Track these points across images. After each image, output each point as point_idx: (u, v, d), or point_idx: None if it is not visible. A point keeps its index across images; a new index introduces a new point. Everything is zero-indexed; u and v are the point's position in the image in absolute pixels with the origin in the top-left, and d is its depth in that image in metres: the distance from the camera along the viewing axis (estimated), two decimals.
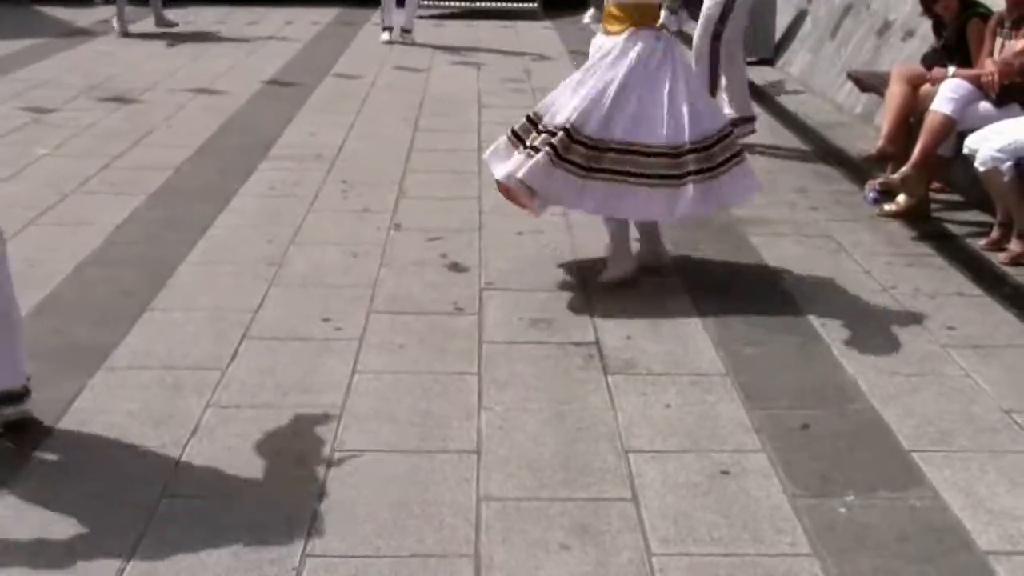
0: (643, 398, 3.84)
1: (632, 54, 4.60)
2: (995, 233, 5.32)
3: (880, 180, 5.68)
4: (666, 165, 4.55)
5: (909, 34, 7.90)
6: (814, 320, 4.50)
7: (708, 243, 5.38)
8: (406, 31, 11.62)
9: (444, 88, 9.29)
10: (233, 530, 3.02)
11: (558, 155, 4.53)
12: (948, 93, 5.50)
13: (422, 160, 6.95)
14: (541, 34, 12.50)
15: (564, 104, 4.65)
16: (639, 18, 4.65)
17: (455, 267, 5.08)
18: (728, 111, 6.91)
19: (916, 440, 3.57)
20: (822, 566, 2.92)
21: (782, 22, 10.46)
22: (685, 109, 4.58)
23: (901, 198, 5.75)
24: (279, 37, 12.02)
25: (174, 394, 3.80)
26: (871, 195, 5.69)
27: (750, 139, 7.11)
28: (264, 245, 5.31)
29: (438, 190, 6.28)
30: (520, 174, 4.58)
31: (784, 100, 8.81)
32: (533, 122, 4.71)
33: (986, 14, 5.76)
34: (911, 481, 3.33)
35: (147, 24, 12.15)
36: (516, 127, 4.77)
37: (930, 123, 5.51)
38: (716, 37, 7.04)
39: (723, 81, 7.15)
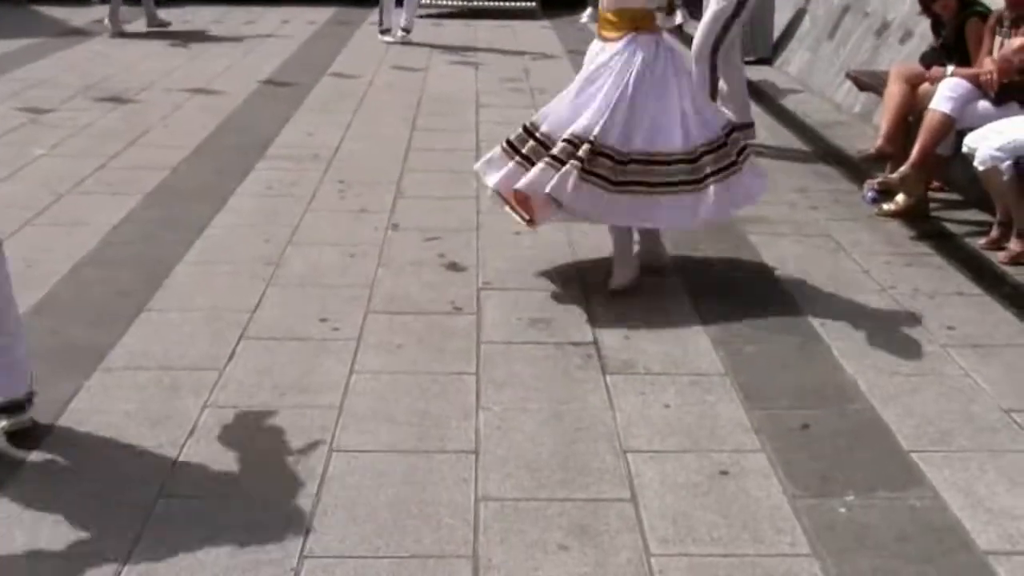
0: (642, 398, 3.83)
1: (637, 62, 4.54)
2: (994, 232, 5.32)
3: (879, 179, 5.68)
4: (685, 171, 4.54)
5: (908, 33, 7.90)
6: (814, 320, 4.49)
7: (708, 243, 5.37)
8: (405, 31, 11.60)
9: (442, 88, 9.27)
10: (230, 530, 3.01)
11: (585, 169, 4.45)
12: (947, 92, 5.49)
13: (420, 160, 6.94)
14: (539, 33, 12.49)
15: (563, 114, 4.59)
16: (636, 23, 4.60)
17: (453, 267, 5.07)
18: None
19: (916, 440, 3.56)
20: (822, 566, 2.91)
21: (780, 21, 10.45)
22: (692, 112, 4.60)
23: (900, 197, 5.74)
24: (276, 36, 12.01)
25: (171, 394, 3.79)
26: (870, 194, 5.69)
27: (750, 139, 7.10)
28: (261, 245, 5.29)
29: (436, 190, 6.27)
30: (548, 188, 4.46)
31: (783, 100, 8.80)
32: (529, 132, 4.66)
33: (985, 13, 5.76)
34: (911, 481, 3.32)
35: (141, 24, 12.12)
36: (512, 137, 4.71)
37: (929, 122, 5.51)
38: (716, 48, 6.96)
39: (723, 85, 7.09)
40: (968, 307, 4.66)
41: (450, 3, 14.11)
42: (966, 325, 4.46)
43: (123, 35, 11.66)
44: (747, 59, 8.16)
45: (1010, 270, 5.04)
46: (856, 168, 6.47)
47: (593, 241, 5.14)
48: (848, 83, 7.85)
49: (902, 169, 5.56)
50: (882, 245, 5.43)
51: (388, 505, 3.15)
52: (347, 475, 3.31)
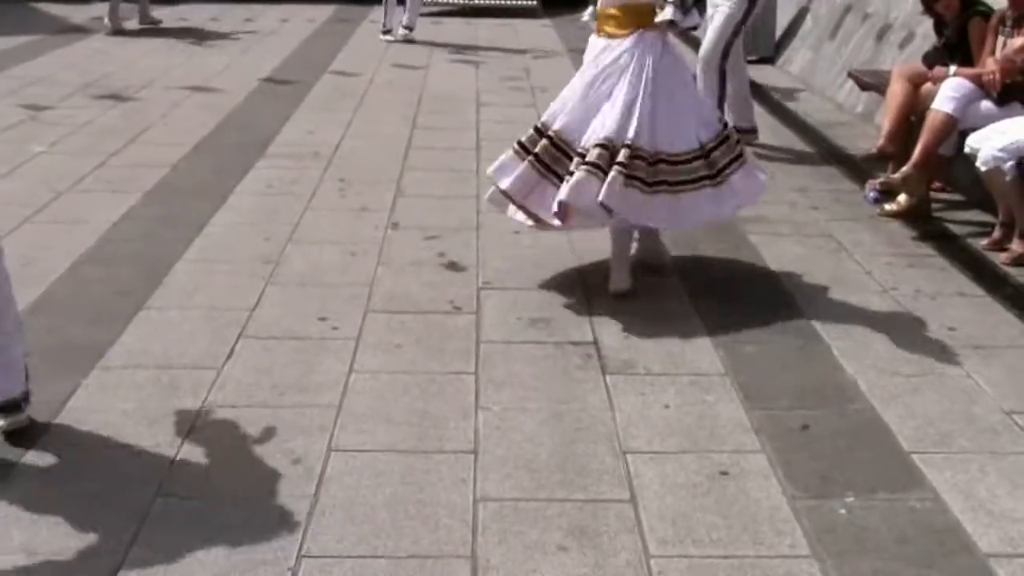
0: (642, 398, 3.81)
1: (649, 61, 4.50)
2: (996, 233, 5.31)
3: (881, 179, 5.66)
4: (703, 167, 4.54)
5: (910, 33, 7.89)
6: (814, 320, 4.48)
7: (708, 243, 5.36)
8: (408, 28, 11.57)
9: (443, 86, 9.26)
10: (228, 530, 3.00)
11: (627, 174, 4.40)
12: (949, 92, 5.47)
13: (420, 158, 6.92)
14: (540, 32, 12.48)
15: (577, 114, 4.51)
16: (639, 19, 4.58)
17: (453, 266, 5.06)
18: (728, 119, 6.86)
19: (916, 441, 3.55)
20: (822, 568, 2.90)
21: (783, 20, 10.44)
22: (697, 108, 4.63)
23: (902, 198, 5.73)
24: (276, 34, 11.99)
25: (169, 393, 3.78)
26: (872, 195, 5.67)
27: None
28: (261, 244, 5.28)
29: (436, 188, 6.26)
30: (601, 198, 4.37)
31: (784, 99, 8.79)
32: (540, 132, 4.60)
33: (987, 12, 5.74)
34: (911, 482, 3.31)
35: (134, 22, 12.10)
36: (523, 139, 4.64)
37: (931, 122, 5.49)
38: (726, 54, 6.93)
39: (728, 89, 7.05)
40: (970, 308, 4.65)
41: (451, 1, 14.08)
42: (968, 326, 4.45)
43: (122, 32, 11.64)
44: (749, 59, 8.13)
45: (1012, 271, 5.03)
46: (858, 168, 6.46)
47: (593, 241, 5.12)
48: (850, 83, 7.83)
49: (904, 169, 5.54)
50: (883, 246, 5.41)
51: (386, 505, 3.14)
52: (345, 475, 3.30)
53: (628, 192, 4.41)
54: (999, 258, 5.16)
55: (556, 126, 4.56)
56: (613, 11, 4.62)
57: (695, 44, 7.56)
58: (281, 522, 3.05)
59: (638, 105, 4.45)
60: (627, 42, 4.56)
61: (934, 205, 5.93)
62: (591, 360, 4.10)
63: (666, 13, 4.51)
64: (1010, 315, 4.58)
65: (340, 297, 4.65)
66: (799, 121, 8.06)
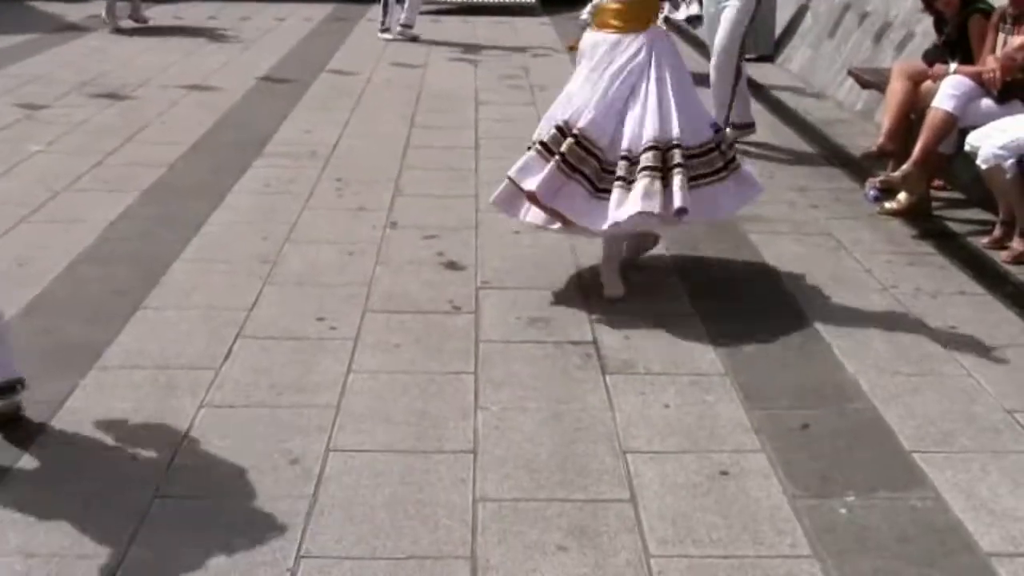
0: (641, 398, 3.80)
1: (664, 59, 4.49)
2: (997, 231, 5.30)
3: (881, 178, 5.65)
4: (705, 163, 4.53)
5: (910, 31, 7.88)
6: (814, 319, 4.46)
7: (707, 242, 5.35)
8: (406, 26, 11.55)
9: (441, 84, 9.24)
10: (227, 531, 2.99)
11: (688, 175, 4.40)
12: (949, 90, 5.46)
13: (418, 157, 6.90)
14: (539, 30, 12.47)
15: (602, 114, 4.44)
16: (643, 12, 4.57)
17: (451, 265, 5.04)
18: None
19: (917, 440, 3.53)
20: (822, 568, 2.89)
21: (782, 18, 10.43)
22: (697, 105, 4.64)
23: (902, 196, 5.72)
24: (273, 33, 11.97)
25: (167, 394, 3.76)
26: (871, 193, 5.66)
27: (750, 136, 7.07)
28: (259, 243, 5.26)
29: (434, 188, 6.24)
30: (679, 202, 4.31)
31: (784, 97, 8.78)
32: (564, 131, 4.48)
33: (988, 10, 5.73)
34: (912, 482, 3.30)
35: (125, 21, 12.07)
36: (545, 139, 4.52)
37: (931, 120, 5.48)
38: (742, 51, 6.90)
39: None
40: (970, 307, 4.64)
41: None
42: (968, 325, 4.44)
43: (119, 31, 11.62)
44: (748, 56, 8.12)
45: (1013, 269, 5.02)
46: (858, 166, 6.45)
47: (593, 241, 5.10)
48: (850, 81, 7.82)
49: (904, 167, 5.53)
50: (883, 244, 5.40)
51: (385, 505, 3.13)
52: (344, 475, 3.28)
53: (692, 192, 4.40)
54: (999, 256, 5.15)
55: (580, 124, 4.46)
56: (617, 6, 4.57)
57: (686, 38, 7.53)
58: (280, 523, 3.03)
59: (671, 103, 4.44)
60: (642, 38, 4.51)
61: (934, 203, 5.92)
62: (591, 360, 4.09)
63: (679, 13, 4.53)
64: (1010, 313, 4.57)
65: (338, 297, 4.63)
66: (799, 119, 8.05)
